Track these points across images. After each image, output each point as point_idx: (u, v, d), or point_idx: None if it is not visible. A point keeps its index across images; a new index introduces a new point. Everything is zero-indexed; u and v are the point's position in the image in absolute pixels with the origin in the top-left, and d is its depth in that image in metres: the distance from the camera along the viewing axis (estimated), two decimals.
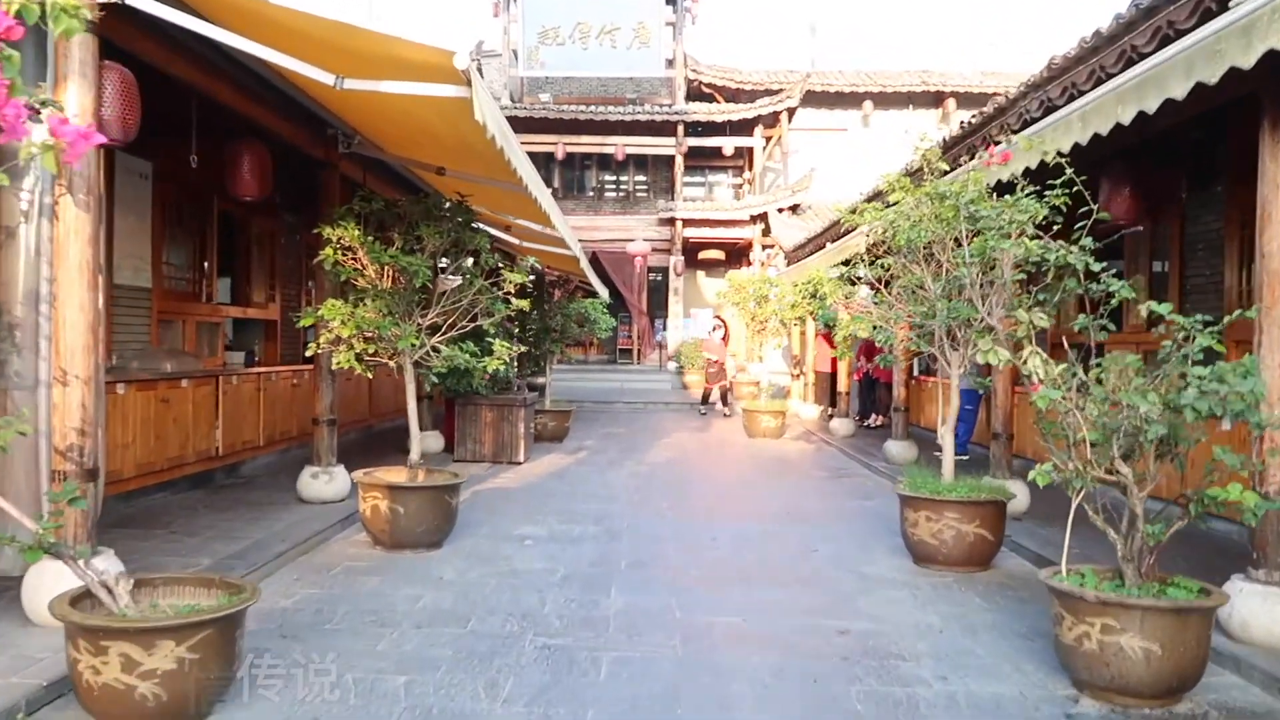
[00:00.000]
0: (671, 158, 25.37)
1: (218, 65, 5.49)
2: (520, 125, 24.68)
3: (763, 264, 25.09)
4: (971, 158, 7.71)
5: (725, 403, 18.01)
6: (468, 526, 7.11)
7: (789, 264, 19.71)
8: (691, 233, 25.08)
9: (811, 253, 16.30)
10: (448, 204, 6.83)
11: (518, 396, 10.96)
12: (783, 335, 15.78)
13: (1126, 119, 4.77)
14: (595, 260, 24.07)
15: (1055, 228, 5.56)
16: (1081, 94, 5.79)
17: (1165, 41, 4.94)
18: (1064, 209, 5.32)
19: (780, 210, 23.63)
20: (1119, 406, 3.85)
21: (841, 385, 15.21)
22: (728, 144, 24.95)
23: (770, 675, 4.15)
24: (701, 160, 26.55)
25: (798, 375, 19.63)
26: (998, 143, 7.33)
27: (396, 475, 6.57)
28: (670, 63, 25.15)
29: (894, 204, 6.73)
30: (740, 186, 27.35)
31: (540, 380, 14.94)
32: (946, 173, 6.79)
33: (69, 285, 4.18)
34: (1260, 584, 4.37)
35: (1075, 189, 4.52)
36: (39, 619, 4.05)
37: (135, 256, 7.56)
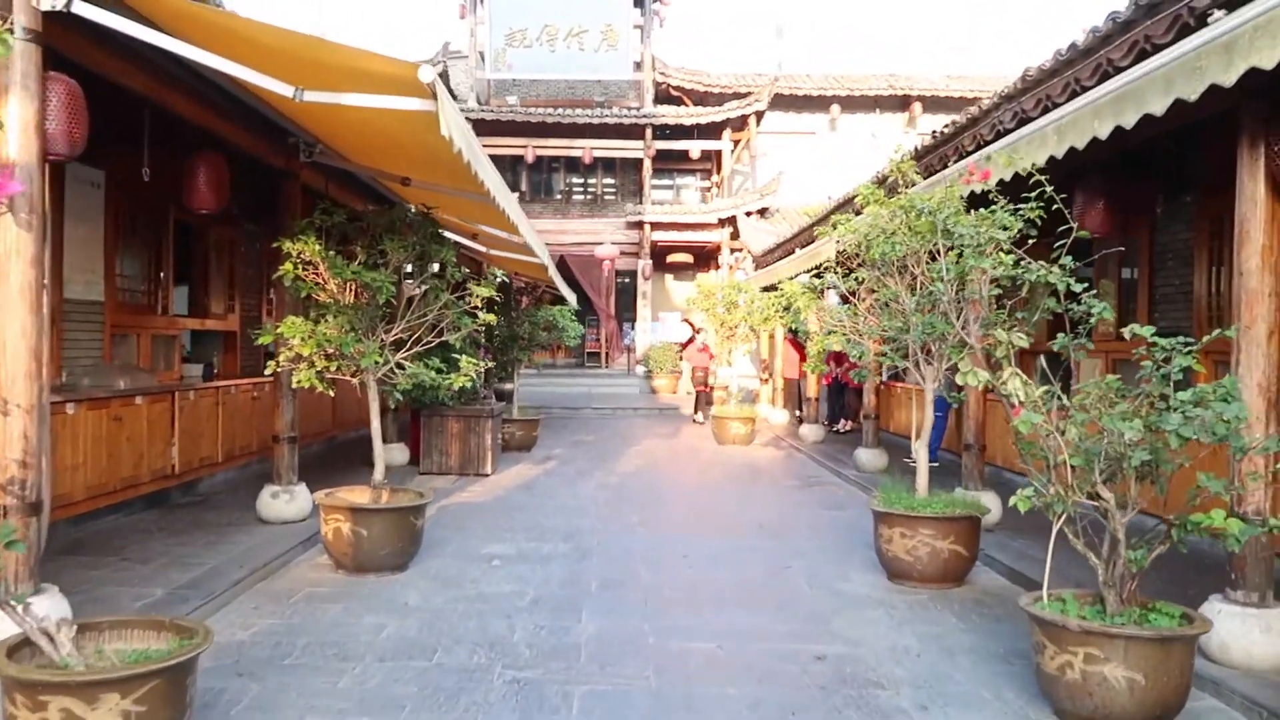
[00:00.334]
0: (639, 161, 25.26)
1: (173, 75, 5.28)
2: (487, 128, 24.46)
3: (731, 267, 25.06)
4: (944, 167, 7.67)
5: (697, 409, 17.89)
6: (434, 546, 6.93)
7: (757, 268, 19.67)
8: (659, 236, 24.99)
9: (781, 258, 16.26)
10: (413, 214, 6.66)
11: (484, 407, 10.77)
12: (752, 340, 15.71)
13: (1104, 133, 4.71)
14: (563, 264, 23.91)
15: (1031, 241, 5.51)
16: (1056, 106, 5.74)
17: (1142, 56, 4.90)
18: (1038, 222, 5.27)
19: (748, 214, 23.62)
20: (1100, 429, 3.78)
21: (810, 391, 15.17)
22: (695, 147, 24.89)
23: (747, 709, 4.03)
24: (670, 163, 26.49)
25: (766, 380, 19.60)
26: (970, 152, 7.31)
27: (359, 496, 6.38)
28: (638, 65, 25.06)
29: (863, 212, 6.66)
30: (708, 190, 27.31)
31: (508, 386, 14.75)
32: (917, 183, 6.74)
33: (10, 309, 3.96)
34: (1239, 605, 4.33)
35: (1054, 207, 4.44)
36: None
37: (86, 269, 7.29)
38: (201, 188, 6.80)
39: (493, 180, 5.49)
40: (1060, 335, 4.24)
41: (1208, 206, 7.42)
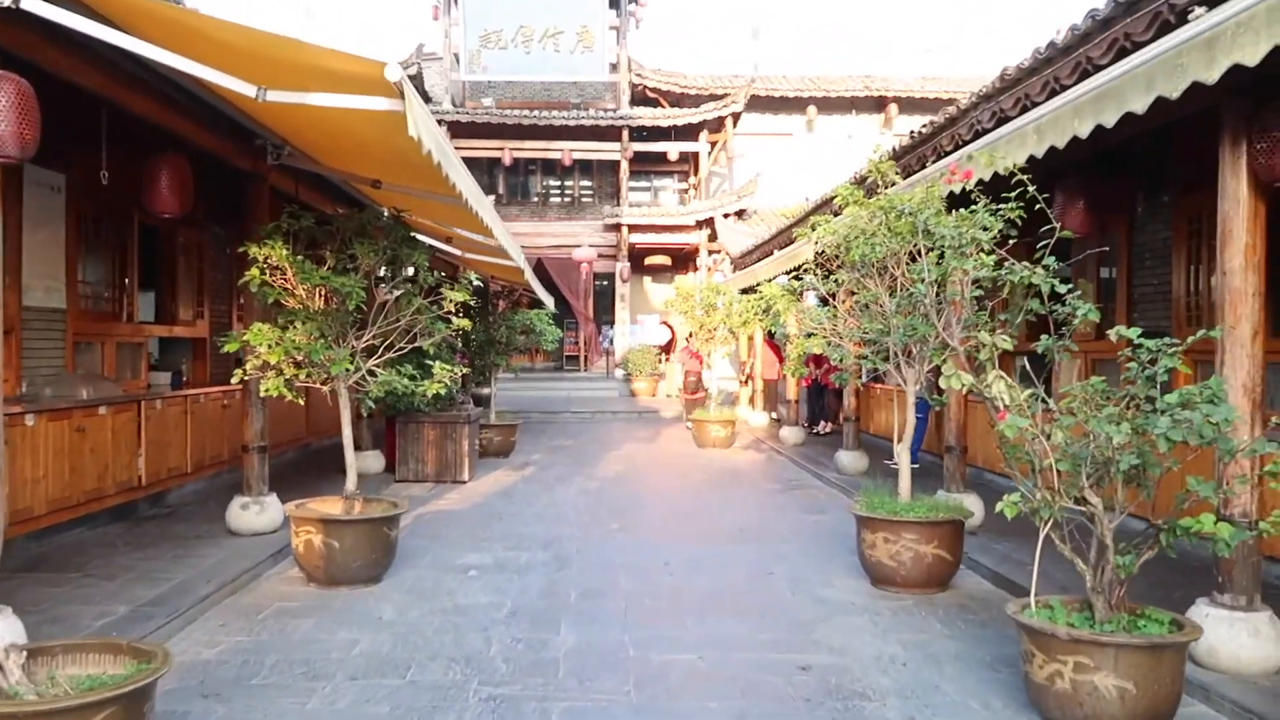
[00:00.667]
0: (617, 163, 25.15)
1: (131, 73, 5.10)
2: (462, 130, 24.26)
3: (709, 269, 24.99)
4: (922, 167, 7.62)
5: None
6: (409, 556, 6.79)
7: (735, 270, 19.61)
8: (637, 238, 24.88)
9: (759, 259, 16.20)
10: (386, 217, 6.51)
11: (461, 413, 10.61)
12: (731, 342, 15.64)
13: (1084, 132, 4.65)
14: (540, 267, 23.75)
15: (1011, 241, 5.45)
16: (1035, 106, 5.69)
17: (1122, 54, 4.84)
18: (1019, 222, 5.21)
19: (726, 216, 23.56)
20: (1086, 433, 3.71)
21: (790, 393, 15.11)
22: (673, 149, 24.80)
23: None
24: (647, 165, 26.39)
25: (746, 381, 19.54)
26: (948, 153, 7.25)
27: (331, 506, 6.23)
28: (614, 67, 24.95)
29: (842, 213, 6.58)
30: (686, 192, 27.24)
31: (485, 391, 14.60)
32: (894, 182, 6.66)
33: None
34: (1226, 609, 4.26)
35: (1036, 206, 4.37)
36: None
37: (47, 276, 7.07)
38: (163, 191, 6.60)
39: (465, 183, 5.36)
40: (1044, 337, 4.16)
41: (1186, 205, 7.41)
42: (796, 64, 28.07)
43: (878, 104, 26.46)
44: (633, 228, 24.73)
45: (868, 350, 6.26)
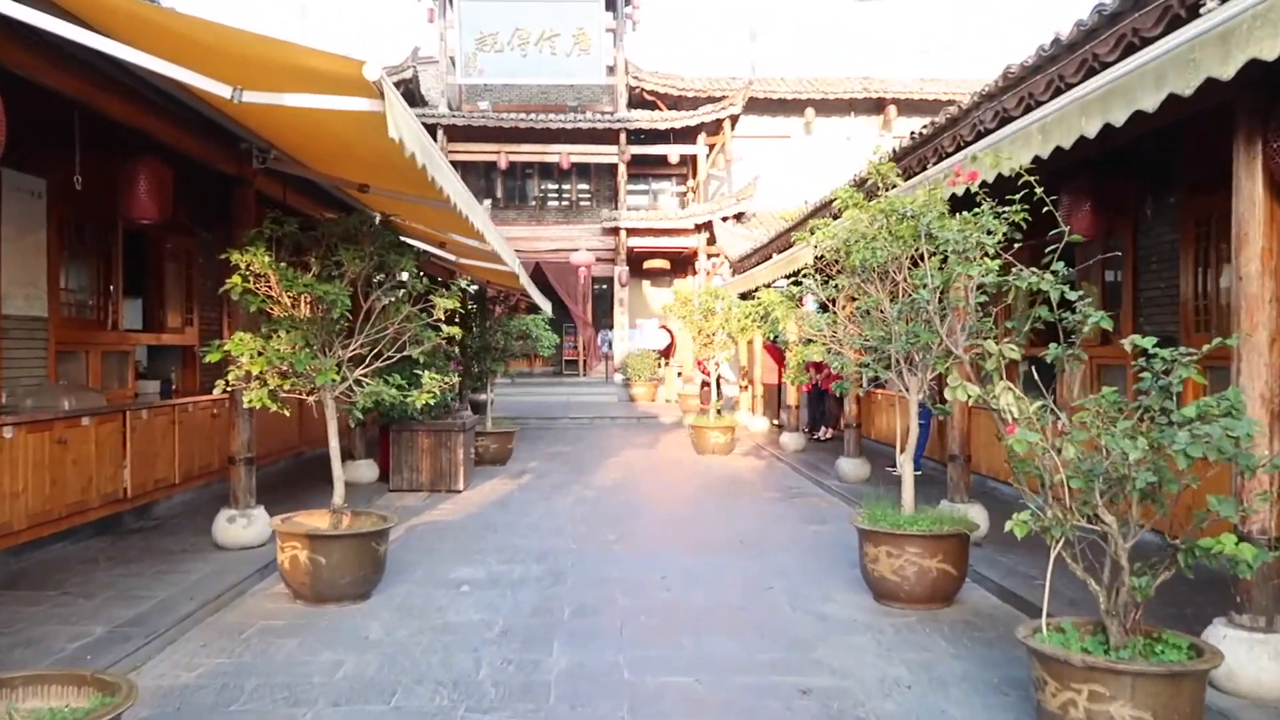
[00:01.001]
0: (614, 166, 24.99)
1: (106, 76, 4.94)
2: (459, 133, 24.13)
3: (708, 273, 24.84)
4: (923, 169, 7.45)
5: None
6: (400, 570, 6.61)
7: (734, 273, 19.45)
8: (636, 242, 24.73)
9: (758, 263, 16.04)
10: (376, 220, 6.34)
11: (456, 421, 10.43)
12: (730, 347, 15.47)
13: (1092, 131, 4.48)
14: (539, 271, 23.60)
15: (1016, 245, 5.28)
16: (1040, 104, 5.53)
17: (1130, 50, 4.68)
18: (1024, 225, 5.05)
19: (725, 219, 23.41)
20: (1099, 448, 3.54)
21: (790, 398, 14.93)
22: (671, 152, 24.66)
23: None
24: (645, 168, 26.25)
25: (746, 386, 19.36)
26: (950, 154, 7.08)
27: (319, 520, 6.06)
28: (611, 69, 24.81)
29: (842, 216, 6.42)
30: (684, 195, 27.09)
31: (482, 397, 14.42)
32: (895, 185, 6.49)
33: None
34: (1245, 630, 4.09)
35: (1044, 210, 4.20)
36: None
37: (28, 284, 6.90)
38: (142, 196, 6.43)
39: (453, 186, 5.18)
40: (1053, 345, 3.99)
41: (1194, 206, 7.23)
42: (795, 66, 27.86)
43: (876, 106, 26.32)
44: (631, 231, 24.58)
45: (869, 358, 6.08)
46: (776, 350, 16.32)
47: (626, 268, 24.72)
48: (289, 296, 5.73)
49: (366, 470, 10.53)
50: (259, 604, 5.83)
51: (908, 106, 25.95)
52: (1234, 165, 4.37)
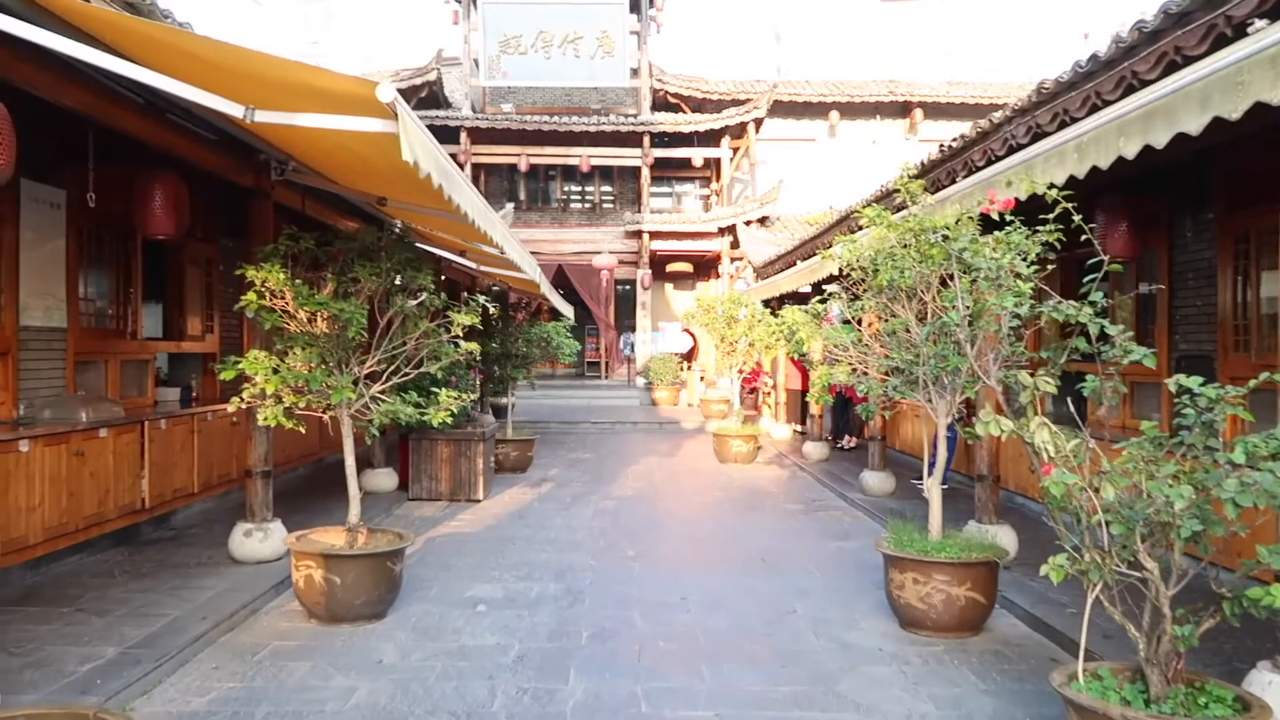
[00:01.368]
0: (638, 169, 24.88)
1: (118, 91, 4.88)
2: (482, 136, 24.12)
3: (732, 277, 24.67)
4: (952, 182, 7.27)
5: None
6: (417, 587, 6.54)
7: (758, 279, 19.27)
8: (659, 245, 24.61)
9: (782, 269, 15.87)
10: (397, 228, 6.24)
11: (476, 430, 10.35)
12: (753, 354, 15.30)
13: (1131, 152, 4.31)
14: (561, 273, 23.55)
15: (1050, 267, 5.12)
16: (1074, 121, 5.36)
17: (1171, 68, 4.51)
18: (1057, 246, 4.88)
19: (749, 223, 23.24)
20: (1139, 490, 3.38)
21: (814, 407, 14.74)
22: (695, 155, 24.52)
23: None
24: (669, 171, 26.13)
25: (769, 393, 19.17)
26: (980, 168, 6.91)
27: (334, 537, 5.99)
28: (635, 72, 24.69)
29: (866, 229, 6.26)
30: (708, 198, 26.94)
31: (503, 401, 14.36)
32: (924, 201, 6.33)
33: None
34: None
35: (1084, 238, 4.03)
36: None
37: (47, 294, 6.88)
38: (157, 211, 6.36)
39: (472, 203, 5.09)
40: (1090, 377, 3.84)
41: (1232, 223, 7.02)
42: (819, 68, 27.57)
43: (902, 109, 26.05)
44: (654, 234, 24.46)
45: (896, 380, 5.92)
46: (800, 363, 16.13)
47: (649, 270, 24.60)
48: (305, 313, 5.65)
49: (386, 479, 10.48)
50: (273, 623, 5.76)
51: (934, 110, 25.66)
52: None
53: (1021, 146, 6.06)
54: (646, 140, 24.31)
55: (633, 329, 25.51)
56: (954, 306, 5.00)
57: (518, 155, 23.95)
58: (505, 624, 5.83)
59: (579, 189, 26.98)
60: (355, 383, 5.77)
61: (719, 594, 6.65)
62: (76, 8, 3.81)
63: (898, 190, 6.60)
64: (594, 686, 4.78)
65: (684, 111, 25.54)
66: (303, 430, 5.89)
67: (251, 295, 5.52)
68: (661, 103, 25.71)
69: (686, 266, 25.85)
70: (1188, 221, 7.56)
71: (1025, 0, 33.80)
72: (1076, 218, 3.96)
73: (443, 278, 11.22)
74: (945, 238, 5.03)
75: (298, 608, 5.93)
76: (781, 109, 25.54)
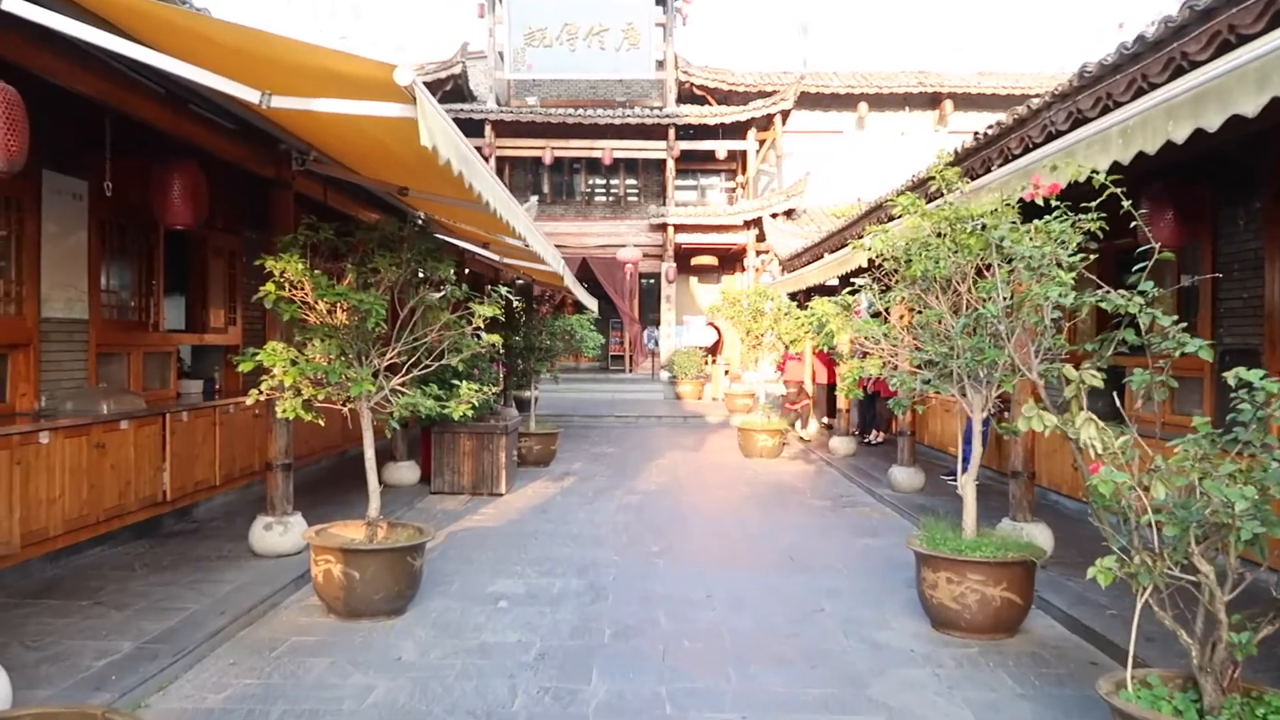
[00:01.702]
0: (663, 161, 24.71)
1: (134, 78, 4.80)
2: (507, 129, 24.05)
3: (757, 270, 24.46)
4: (987, 171, 7.06)
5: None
6: (437, 582, 6.45)
7: (784, 272, 19.05)
8: (684, 238, 24.43)
9: (808, 262, 15.65)
10: (420, 219, 6.14)
11: (499, 424, 10.26)
12: (779, 348, 15.12)
13: (1180, 136, 4.11)
14: (585, 266, 23.42)
15: (1093, 257, 4.92)
16: (1119, 105, 5.15)
17: (1225, 48, 4.30)
18: (1099, 234, 4.69)
19: (774, 216, 23.00)
20: (1192, 490, 3.20)
21: (841, 401, 14.54)
22: (720, 147, 24.30)
23: None
24: (694, 164, 25.93)
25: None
26: (1016, 156, 6.70)
27: (354, 531, 5.91)
28: (660, 64, 24.49)
29: (899, 218, 6.08)
30: (734, 190, 26.72)
31: (526, 394, 14.28)
32: (958, 190, 6.13)
33: None
34: None
35: (1133, 224, 3.84)
36: None
37: (69, 286, 6.84)
38: (176, 201, 6.29)
39: (492, 191, 4.96)
40: (1137, 371, 3.65)
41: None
42: (847, 60, 27.38)
43: (932, 100, 25.68)
44: (679, 227, 24.28)
45: (929, 374, 5.74)
46: (826, 354, 15.90)
47: (674, 264, 24.42)
48: (324, 304, 5.56)
49: (408, 472, 10.41)
50: (292, 618, 5.68)
51: (965, 101, 25.27)
52: None
53: (1061, 133, 5.85)
54: (672, 133, 24.12)
55: (657, 323, 25.36)
56: (992, 298, 4.82)
57: (542, 148, 23.85)
58: (527, 621, 5.72)
59: (603, 182, 26.85)
60: (375, 375, 5.67)
61: (745, 592, 6.50)
62: None
63: (931, 179, 6.42)
64: (617, 687, 4.66)
65: (709, 104, 25.34)
66: (323, 423, 5.80)
67: (270, 286, 5.44)
68: (687, 95, 25.51)
69: (711, 260, 25.66)
70: (1234, 211, 7.30)
71: None
72: (1126, 203, 3.77)
73: (466, 270, 11.13)
74: (983, 226, 4.84)
75: (317, 603, 5.85)
76: (808, 100, 25.27)
